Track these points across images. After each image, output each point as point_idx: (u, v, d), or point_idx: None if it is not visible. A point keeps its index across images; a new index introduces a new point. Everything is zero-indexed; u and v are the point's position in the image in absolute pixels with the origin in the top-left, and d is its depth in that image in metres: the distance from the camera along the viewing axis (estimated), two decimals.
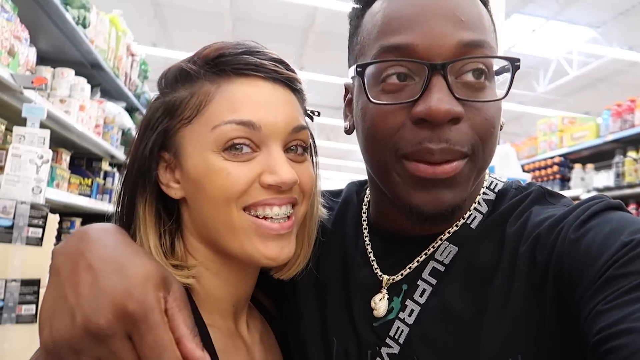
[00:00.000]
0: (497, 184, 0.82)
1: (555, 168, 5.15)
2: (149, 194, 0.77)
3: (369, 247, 0.85)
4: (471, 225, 0.78)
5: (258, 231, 0.73)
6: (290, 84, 0.78)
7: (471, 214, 0.79)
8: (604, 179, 4.41)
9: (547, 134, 5.47)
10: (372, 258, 0.83)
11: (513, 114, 10.95)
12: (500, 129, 0.79)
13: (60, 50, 3.13)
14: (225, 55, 0.74)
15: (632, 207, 4.10)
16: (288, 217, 0.75)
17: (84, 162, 3.45)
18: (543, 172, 5.32)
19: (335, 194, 0.98)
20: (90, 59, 3.23)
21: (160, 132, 0.75)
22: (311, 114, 0.86)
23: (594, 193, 4.39)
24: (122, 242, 0.67)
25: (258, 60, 0.75)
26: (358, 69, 0.72)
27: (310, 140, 0.83)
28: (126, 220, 0.78)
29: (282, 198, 0.74)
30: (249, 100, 0.73)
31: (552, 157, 5.27)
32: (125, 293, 0.58)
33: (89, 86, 3.03)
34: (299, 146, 0.77)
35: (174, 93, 0.76)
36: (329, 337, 0.82)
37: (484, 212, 0.79)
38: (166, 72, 0.78)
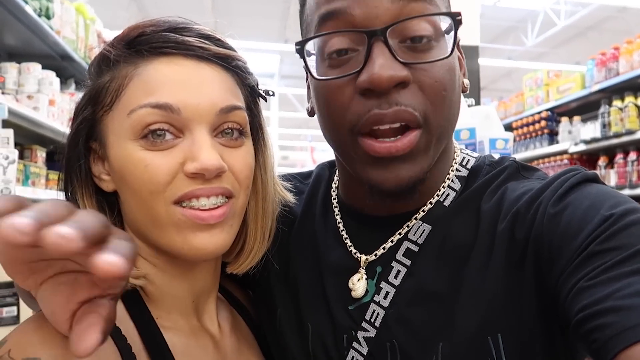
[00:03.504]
0: (469, 159, 0.80)
1: (543, 123, 5.08)
2: (84, 187, 0.74)
3: (341, 227, 0.82)
4: (444, 203, 0.76)
5: (189, 222, 0.68)
6: (221, 61, 0.72)
7: (444, 191, 0.77)
8: (591, 130, 4.37)
9: (534, 89, 5.39)
10: (346, 237, 0.81)
11: (504, 70, 10.79)
12: (464, 92, 0.76)
13: (27, 44, 3.08)
14: (144, 34, 0.69)
15: (619, 157, 4.07)
16: (219, 206, 0.70)
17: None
18: (531, 127, 5.26)
19: (306, 176, 0.96)
20: (58, 51, 3.18)
21: (83, 120, 0.72)
22: (264, 94, 0.80)
23: (582, 145, 4.38)
24: None
25: (180, 37, 0.69)
26: (297, 47, 0.70)
27: (258, 123, 0.79)
28: None
29: (209, 188, 0.68)
30: (166, 81, 0.67)
31: (539, 112, 5.20)
32: None
33: (57, 79, 2.99)
34: (234, 129, 0.71)
35: (98, 79, 0.72)
36: (304, 323, 0.80)
37: (457, 189, 0.77)
38: (95, 57, 0.74)
